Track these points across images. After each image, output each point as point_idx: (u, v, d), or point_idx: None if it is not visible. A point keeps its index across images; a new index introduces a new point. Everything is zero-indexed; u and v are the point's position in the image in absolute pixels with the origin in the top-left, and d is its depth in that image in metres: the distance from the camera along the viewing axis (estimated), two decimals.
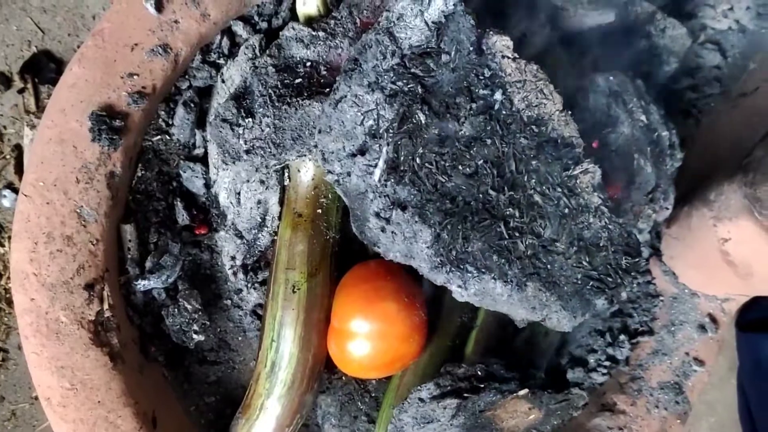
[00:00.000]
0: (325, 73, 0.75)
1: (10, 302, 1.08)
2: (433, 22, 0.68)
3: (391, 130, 0.69)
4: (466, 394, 0.76)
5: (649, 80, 0.95)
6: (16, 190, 1.08)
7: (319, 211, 0.80)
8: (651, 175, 0.87)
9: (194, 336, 0.82)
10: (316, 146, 0.74)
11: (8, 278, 1.08)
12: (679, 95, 1.09)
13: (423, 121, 0.69)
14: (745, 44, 1.11)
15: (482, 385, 0.77)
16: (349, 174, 0.72)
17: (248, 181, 0.80)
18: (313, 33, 0.75)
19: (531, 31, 0.80)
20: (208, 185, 0.86)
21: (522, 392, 0.76)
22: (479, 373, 0.78)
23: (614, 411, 0.94)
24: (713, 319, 0.99)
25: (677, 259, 0.98)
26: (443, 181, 0.69)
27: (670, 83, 1.07)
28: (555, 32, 0.84)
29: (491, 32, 0.69)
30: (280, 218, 0.82)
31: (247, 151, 0.73)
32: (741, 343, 1.30)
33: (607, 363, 0.96)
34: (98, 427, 0.74)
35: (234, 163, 0.74)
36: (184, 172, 0.85)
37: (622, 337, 0.98)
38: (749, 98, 1.05)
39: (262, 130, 0.73)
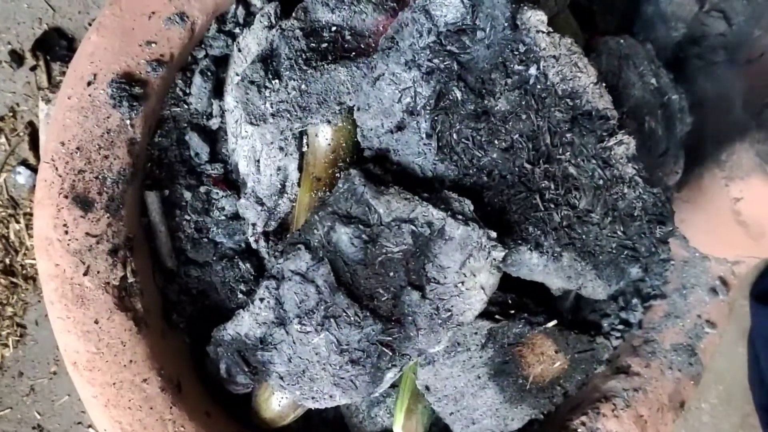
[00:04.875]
0: (349, 38, 0.76)
1: (27, 278, 1.09)
2: None
3: (428, 107, 0.71)
4: (497, 317, 0.77)
5: (657, 46, 0.96)
6: (30, 167, 1.09)
7: (338, 174, 0.81)
8: (662, 137, 0.88)
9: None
10: (340, 112, 0.75)
11: (24, 254, 1.09)
12: (686, 62, 1.10)
13: (459, 98, 0.70)
14: (750, 12, 1.12)
15: (512, 312, 0.78)
16: None
17: (271, 143, 0.80)
18: None
19: None
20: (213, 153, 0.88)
21: (550, 324, 0.78)
22: (510, 301, 0.80)
23: (629, 373, 0.95)
24: (724, 282, 1.00)
25: (688, 222, 0.99)
26: (480, 155, 0.71)
27: (676, 50, 1.07)
28: None
29: (525, 7, 0.70)
30: (299, 184, 0.83)
31: (273, 114, 0.74)
32: (757, 313, 1.31)
33: (620, 327, 0.97)
34: (125, 390, 0.75)
35: (259, 125, 0.75)
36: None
37: (634, 301, 0.99)
38: (755, 64, 1.06)
39: (288, 93, 0.74)
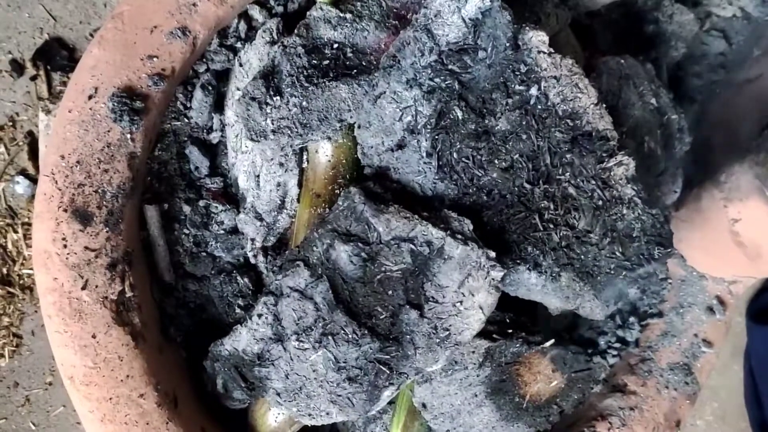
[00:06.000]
0: (351, 55, 0.76)
1: (24, 288, 1.09)
2: (470, 19, 0.69)
3: (428, 126, 0.71)
4: (495, 336, 0.77)
5: (658, 65, 0.96)
6: (29, 177, 1.09)
7: (338, 191, 0.81)
8: (661, 157, 0.88)
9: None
10: (341, 128, 0.75)
11: (22, 264, 1.09)
12: (685, 81, 1.10)
13: (460, 117, 0.71)
14: (750, 31, 1.12)
15: (510, 331, 0.78)
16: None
17: (271, 159, 0.81)
18: (341, 14, 0.76)
19: (545, 13, 0.81)
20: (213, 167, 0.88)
21: (548, 343, 0.78)
22: (508, 320, 0.80)
23: (625, 392, 0.95)
24: (721, 301, 1.01)
25: (685, 242, 0.99)
26: (480, 175, 0.71)
27: (676, 70, 1.08)
28: (569, 12, 0.85)
29: (527, 27, 0.70)
30: (299, 200, 0.83)
31: (274, 131, 0.74)
32: (753, 332, 1.32)
33: (617, 345, 0.97)
34: (121, 405, 0.75)
35: (259, 141, 0.75)
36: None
37: (631, 319, 0.99)
38: (754, 84, 1.07)
39: (290, 110, 0.74)
